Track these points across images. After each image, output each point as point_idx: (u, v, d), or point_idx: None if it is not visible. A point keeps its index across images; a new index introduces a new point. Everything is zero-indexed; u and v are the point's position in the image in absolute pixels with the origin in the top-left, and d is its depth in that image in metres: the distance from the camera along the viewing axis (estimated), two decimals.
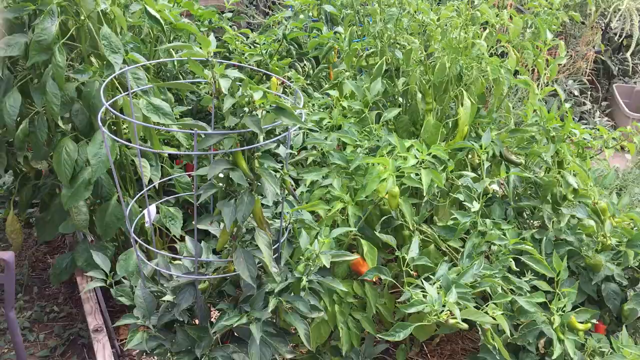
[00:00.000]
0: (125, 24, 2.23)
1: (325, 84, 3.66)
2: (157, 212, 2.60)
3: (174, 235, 2.56)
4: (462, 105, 2.39)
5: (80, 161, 2.30)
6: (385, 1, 2.43)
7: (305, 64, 3.87)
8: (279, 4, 5.37)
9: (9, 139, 2.57)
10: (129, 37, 2.30)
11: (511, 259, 2.06)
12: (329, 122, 2.48)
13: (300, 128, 2.48)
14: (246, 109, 1.72)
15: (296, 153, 2.16)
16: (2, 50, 2.18)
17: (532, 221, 2.66)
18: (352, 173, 2.28)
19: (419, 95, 2.48)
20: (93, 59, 2.37)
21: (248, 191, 1.78)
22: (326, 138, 2.30)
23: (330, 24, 3.98)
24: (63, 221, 2.57)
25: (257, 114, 1.74)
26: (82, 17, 2.23)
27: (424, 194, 2.07)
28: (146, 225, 2.31)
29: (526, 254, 2.14)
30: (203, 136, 1.73)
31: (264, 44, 2.95)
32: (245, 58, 2.99)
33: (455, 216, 2.25)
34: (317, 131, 2.56)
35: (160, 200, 2.44)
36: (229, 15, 3.95)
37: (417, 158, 2.11)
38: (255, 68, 2.27)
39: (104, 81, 2.24)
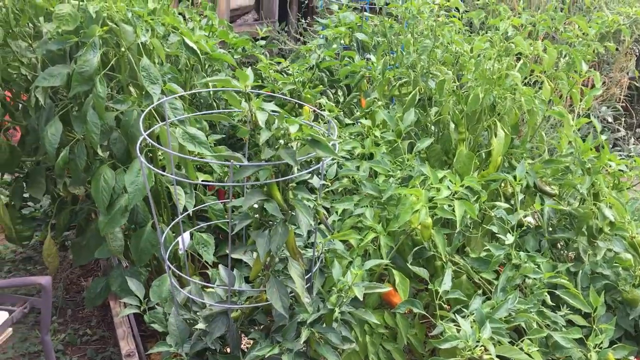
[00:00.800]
0: (163, 55, 2.29)
1: (357, 110, 3.68)
2: (190, 238, 2.64)
3: (206, 261, 2.59)
4: (495, 136, 2.38)
5: (117, 188, 2.35)
6: (419, 31, 2.45)
7: (336, 91, 3.91)
8: (310, 30, 5.44)
9: (49, 165, 2.64)
10: (167, 68, 2.36)
11: (546, 293, 2.03)
12: (362, 151, 2.49)
13: (333, 159, 2.50)
14: (282, 141, 1.75)
15: (329, 184, 2.17)
16: (45, 80, 2.25)
17: (566, 252, 2.62)
18: (385, 203, 2.29)
19: (452, 125, 2.48)
20: (132, 89, 2.43)
21: (282, 222, 1.80)
22: (358, 168, 2.31)
23: (361, 51, 4.02)
24: (99, 246, 2.62)
25: (292, 146, 1.76)
26: (123, 49, 2.30)
27: (457, 226, 2.06)
28: (180, 252, 2.34)
29: (561, 288, 2.10)
30: (239, 167, 1.76)
31: (297, 72, 2.99)
32: (279, 86, 3.03)
33: (489, 248, 2.23)
34: (350, 158, 2.57)
35: (194, 228, 2.47)
36: (262, 42, 4.02)
37: (449, 189, 2.11)
38: (287, 98, 2.31)
39: (142, 110, 2.30)
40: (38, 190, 2.70)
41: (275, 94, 3.05)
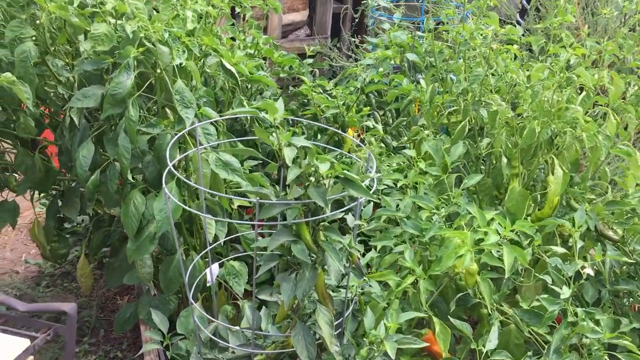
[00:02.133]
0: (199, 78, 2.20)
1: (405, 134, 3.51)
2: (221, 266, 2.53)
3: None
4: (552, 173, 2.17)
5: (147, 214, 2.26)
6: (470, 57, 2.27)
7: (384, 113, 3.75)
8: (362, 49, 5.31)
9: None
10: (202, 91, 2.27)
11: (606, 357, 1.80)
12: (404, 182, 2.32)
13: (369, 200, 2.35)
14: (312, 179, 1.61)
15: (365, 224, 2.02)
16: (79, 101, 2.19)
17: (630, 301, 2.37)
18: (427, 243, 2.11)
19: (504, 160, 2.29)
20: (168, 110, 2.35)
21: (310, 266, 1.66)
22: (398, 207, 2.14)
23: (412, 71, 3.85)
24: (131, 269, 2.54)
25: (323, 184, 1.62)
26: (159, 70, 2.22)
27: (506, 274, 1.86)
28: (208, 284, 2.23)
29: (623, 350, 1.88)
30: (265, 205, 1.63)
31: (341, 95, 2.86)
32: (322, 110, 2.90)
33: (542, 298, 2.02)
34: (392, 189, 2.41)
35: (226, 259, 2.36)
36: (310, 61, 3.90)
37: (499, 233, 1.92)
38: (325, 125, 2.18)
39: (176, 134, 2.21)
40: (72, 210, 2.65)
41: (313, 121, 2.93)
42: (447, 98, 2.42)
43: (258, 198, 1.61)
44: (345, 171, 1.58)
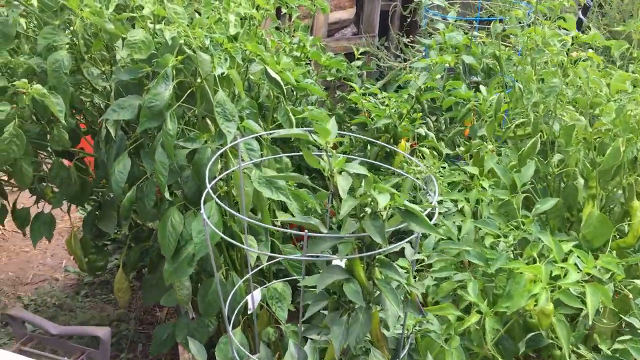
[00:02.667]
0: (242, 88, 2.02)
1: (460, 142, 3.27)
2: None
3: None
4: (637, 198, 1.92)
5: (185, 234, 2.10)
6: (541, 64, 2.02)
7: (437, 119, 3.52)
8: (411, 46, 5.06)
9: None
10: (245, 102, 2.09)
11: None
12: (465, 204, 2.10)
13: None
14: (368, 209, 1.41)
15: (425, 258, 1.81)
16: (115, 113, 2.04)
17: None
18: (492, 274, 1.89)
19: (581, 180, 2.04)
20: (208, 121, 2.18)
21: (365, 309, 1.46)
22: (459, 234, 1.92)
23: (468, 74, 3.60)
24: (169, 288, 2.40)
25: (381, 215, 1.42)
26: (199, 80, 2.05)
27: (590, 319, 1.62)
28: (249, 311, 2.06)
29: None
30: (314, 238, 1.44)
31: (394, 103, 2.64)
32: (372, 119, 2.70)
33: (623, 339, 1.78)
34: (449, 211, 2.19)
35: (269, 284, 2.18)
36: (358, 63, 3.70)
37: (578, 269, 1.68)
38: (373, 140, 1.97)
39: (217, 148, 2.04)
40: (109, 224, 2.52)
41: (362, 130, 2.73)
42: (512, 108, 2.17)
43: (307, 230, 1.42)
44: (406, 202, 1.37)
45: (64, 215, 3.01)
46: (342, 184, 1.33)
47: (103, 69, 2.21)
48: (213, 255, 1.69)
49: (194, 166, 2.11)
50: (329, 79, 3.63)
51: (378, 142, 2.19)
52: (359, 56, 3.59)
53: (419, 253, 1.74)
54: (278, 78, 2.15)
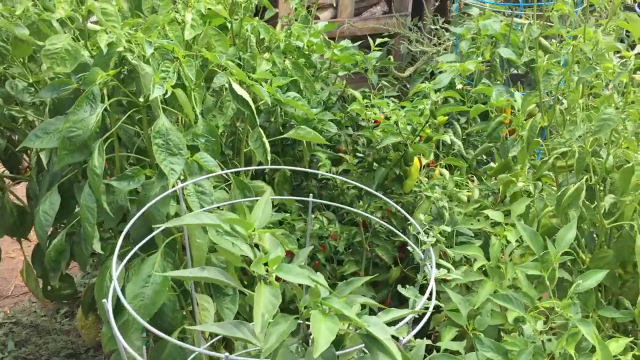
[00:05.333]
0: (191, 112, 1.56)
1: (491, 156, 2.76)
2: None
3: None
4: None
5: (129, 290, 1.68)
6: (590, 81, 1.49)
7: (467, 119, 3.00)
8: (443, 29, 4.46)
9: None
10: (202, 128, 1.62)
11: None
12: (484, 263, 1.61)
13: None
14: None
15: None
16: (37, 140, 1.62)
17: None
18: None
19: (639, 240, 1.52)
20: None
21: None
22: (473, 309, 1.43)
23: (506, 66, 3.05)
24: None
25: None
26: (142, 99, 1.61)
27: None
28: None
29: None
30: None
31: (403, 118, 2.13)
32: (377, 136, 2.20)
33: None
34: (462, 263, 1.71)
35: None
36: (377, 54, 3.17)
37: None
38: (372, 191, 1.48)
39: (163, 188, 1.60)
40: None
41: (370, 144, 2.23)
42: (550, 132, 1.65)
43: (227, 354, 0.97)
44: (370, 327, 0.90)
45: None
46: (267, 302, 0.87)
47: (30, 81, 1.78)
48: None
49: (139, 206, 1.68)
50: (340, 73, 3.13)
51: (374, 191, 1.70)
52: (375, 48, 3.07)
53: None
54: (246, 95, 1.68)
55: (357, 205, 2.50)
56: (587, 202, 1.67)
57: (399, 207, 1.38)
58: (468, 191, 2.45)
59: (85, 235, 1.59)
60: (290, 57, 2.49)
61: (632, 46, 1.54)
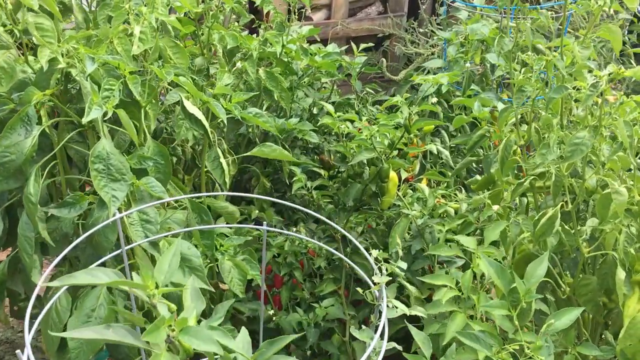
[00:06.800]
0: (135, 135, 1.45)
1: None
2: None
3: None
4: None
5: (74, 322, 1.58)
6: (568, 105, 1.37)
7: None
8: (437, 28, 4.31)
9: None
10: (151, 150, 1.51)
11: None
12: (453, 294, 1.49)
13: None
14: None
15: None
16: None
17: None
18: None
19: (621, 273, 1.39)
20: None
21: None
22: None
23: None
24: None
25: None
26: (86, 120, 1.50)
27: None
28: None
29: None
30: None
31: (377, 133, 2.01)
32: (352, 150, 2.08)
33: None
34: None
35: None
36: (362, 59, 3.05)
37: None
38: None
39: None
40: (16, 282, 2.03)
41: (344, 159, 2.11)
42: (529, 162, 1.52)
43: None
44: None
45: None
46: None
47: None
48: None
49: (84, 231, 1.58)
50: (323, 80, 3.02)
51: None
52: (360, 53, 2.95)
53: None
54: (198, 113, 1.57)
55: (336, 220, 2.39)
56: (566, 228, 1.55)
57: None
58: (456, 202, 2.34)
59: (24, 266, 1.49)
60: (264, 66, 2.38)
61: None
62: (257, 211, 2.37)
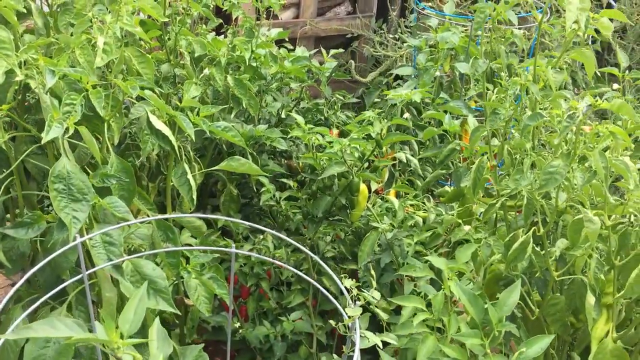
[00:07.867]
0: (97, 152, 1.39)
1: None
2: None
3: None
4: None
5: (32, 350, 1.51)
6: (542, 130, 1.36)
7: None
8: (406, 32, 4.30)
9: None
10: (114, 167, 1.45)
11: None
12: (428, 317, 1.47)
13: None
14: None
15: None
16: None
17: None
18: None
19: (591, 299, 1.40)
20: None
21: None
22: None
23: (465, 84, 2.94)
24: None
25: None
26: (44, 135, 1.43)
27: None
28: None
29: None
30: None
31: (348, 146, 1.98)
32: (322, 163, 2.05)
33: None
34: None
35: None
36: (332, 64, 3.01)
37: None
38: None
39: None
40: None
41: (313, 172, 2.08)
42: (502, 184, 1.52)
43: None
44: None
45: None
46: None
47: None
48: None
49: (44, 252, 1.51)
50: (292, 85, 2.97)
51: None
52: (329, 59, 2.91)
53: None
54: (165, 129, 1.51)
55: (304, 230, 2.36)
56: (536, 249, 1.55)
57: None
58: (424, 212, 2.33)
59: None
60: (232, 70, 2.33)
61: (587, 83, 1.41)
62: (223, 219, 2.32)
